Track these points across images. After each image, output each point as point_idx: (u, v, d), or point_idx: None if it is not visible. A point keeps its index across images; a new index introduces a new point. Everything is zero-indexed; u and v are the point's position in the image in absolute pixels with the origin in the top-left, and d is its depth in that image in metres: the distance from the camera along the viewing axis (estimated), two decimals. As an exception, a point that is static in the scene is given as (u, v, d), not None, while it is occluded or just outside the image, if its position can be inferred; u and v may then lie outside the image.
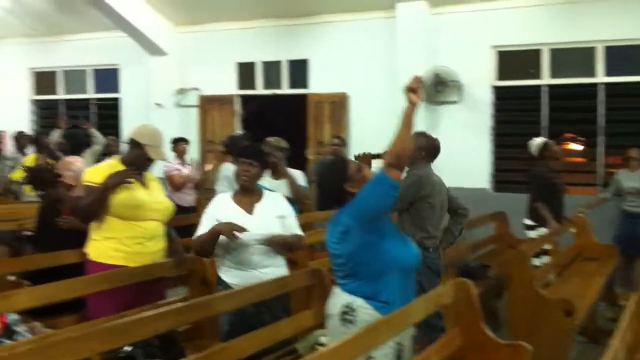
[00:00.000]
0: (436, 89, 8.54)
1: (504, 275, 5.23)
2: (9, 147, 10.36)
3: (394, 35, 8.86)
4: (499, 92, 8.73)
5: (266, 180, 5.52)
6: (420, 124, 8.63)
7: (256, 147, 4.16)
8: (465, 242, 6.45)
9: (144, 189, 3.94)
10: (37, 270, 4.27)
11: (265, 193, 3.86)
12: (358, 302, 2.86)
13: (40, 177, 5.19)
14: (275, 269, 3.73)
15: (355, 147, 9.08)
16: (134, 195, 3.84)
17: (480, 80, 8.62)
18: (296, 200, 5.52)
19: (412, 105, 2.73)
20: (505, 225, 7.22)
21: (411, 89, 2.73)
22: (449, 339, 3.19)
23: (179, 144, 7.97)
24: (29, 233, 5.25)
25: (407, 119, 2.73)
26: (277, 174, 5.55)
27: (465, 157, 8.31)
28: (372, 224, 2.82)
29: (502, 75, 8.73)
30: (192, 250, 3.89)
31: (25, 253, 4.89)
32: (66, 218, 4.49)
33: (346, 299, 2.88)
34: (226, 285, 3.68)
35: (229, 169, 5.99)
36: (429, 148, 4.67)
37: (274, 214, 3.75)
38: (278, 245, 3.69)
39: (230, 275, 3.70)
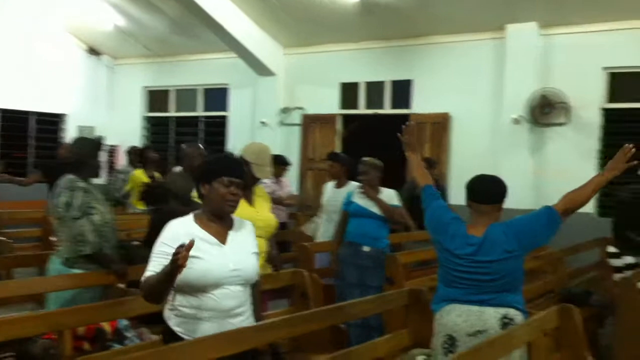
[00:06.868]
0: (543, 110, 8.39)
1: (608, 302, 5.08)
2: (122, 161, 10.93)
3: (502, 57, 8.82)
4: (609, 114, 8.47)
5: (360, 199, 5.56)
6: (524, 145, 8.55)
7: (241, 162, 3.33)
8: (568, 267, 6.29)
9: (250, 206, 3.97)
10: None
11: (236, 220, 2.99)
12: (512, 311, 3.22)
13: (152, 193, 5.45)
14: (249, 319, 2.93)
15: (456, 169, 9.09)
16: (241, 213, 3.64)
17: (589, 103, 8.41)
18: (389, 220, 5.53)
19: (605, 178, 3.40)
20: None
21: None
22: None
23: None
24: (137, 243, 5.46)
25: (598, 187, 3.47)
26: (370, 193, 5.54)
27: (571, 180, 8.00)
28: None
29: (612, 98, 8.48)
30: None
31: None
32: None
33: (501, 311, 3.20)
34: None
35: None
36: None
37: (249, 248, 2.95)
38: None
39: (186, 327, 2.78)
